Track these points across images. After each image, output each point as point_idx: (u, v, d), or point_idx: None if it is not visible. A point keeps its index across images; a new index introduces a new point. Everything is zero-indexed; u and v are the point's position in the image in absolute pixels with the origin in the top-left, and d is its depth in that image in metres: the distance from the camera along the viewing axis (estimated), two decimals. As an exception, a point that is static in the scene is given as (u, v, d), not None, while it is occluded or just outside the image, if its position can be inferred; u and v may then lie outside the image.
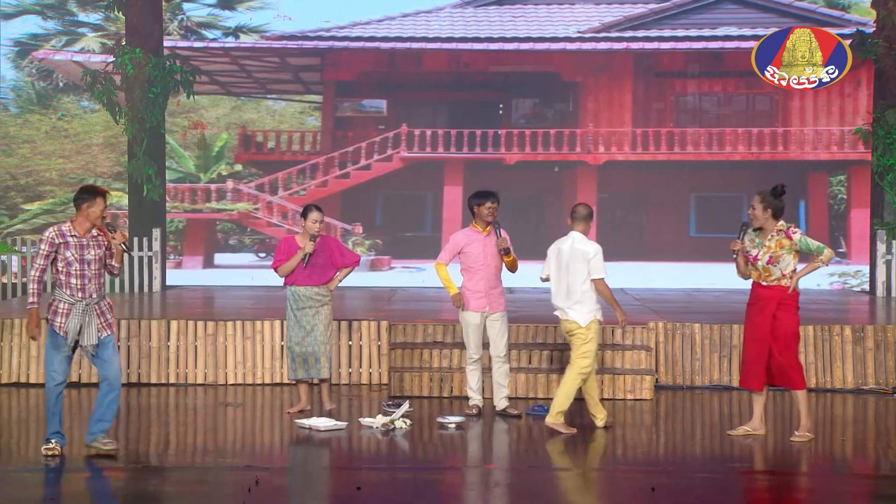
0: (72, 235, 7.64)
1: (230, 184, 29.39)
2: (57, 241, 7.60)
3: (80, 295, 7.61)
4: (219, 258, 29.79)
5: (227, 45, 29.71)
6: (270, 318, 10.99)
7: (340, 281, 9.39)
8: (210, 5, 31.67)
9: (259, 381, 10.77)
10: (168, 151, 22.03)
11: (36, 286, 7.61)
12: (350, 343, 10.79)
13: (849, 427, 9.21)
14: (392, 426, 8.73)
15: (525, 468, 7.73)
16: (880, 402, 10.05)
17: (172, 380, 10.78)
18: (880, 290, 14.80)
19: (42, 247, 7.62)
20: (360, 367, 10.78)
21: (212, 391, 10.50)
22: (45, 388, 7.82)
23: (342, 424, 8.77)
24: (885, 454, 8.26)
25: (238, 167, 31.13)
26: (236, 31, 31.13)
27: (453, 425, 8.83)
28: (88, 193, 7.77)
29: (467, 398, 9.47)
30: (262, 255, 30.25)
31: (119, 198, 28.68)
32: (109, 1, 16.95)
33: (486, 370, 9.69)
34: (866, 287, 16.53)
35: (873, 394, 10.34)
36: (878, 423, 9.41)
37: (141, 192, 15.91)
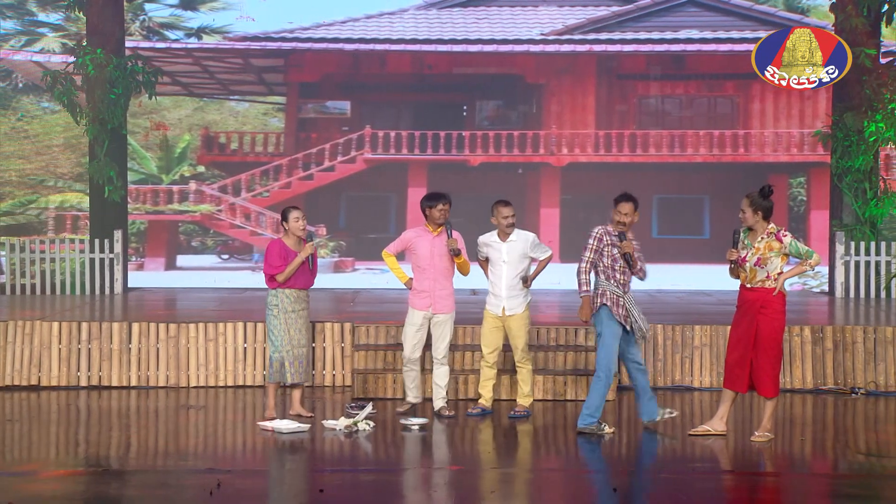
0: (612, 235, 8.60)
1: (193, 185, 29.23)
2: (605, 239, 8.57)
3: (623, 289, 8.57)
4: (181, 260, 29.63)
5: (189, 45, 29.56)
6: (233, 319, 10.94)
7: None
8: (172, 6, 31.49)
9: (221, 384, 10.73)
10: (130, 153, 21.90)
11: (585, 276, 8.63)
12: (313, 345, 10.76)
13: (808, 427, 9.31)
14: (355, 428, 8.72)
15: (488, 469, 7.75)
16: (839, 401, 10.16)
17: (134, 382, 10.71)
18: (839, 291, 14.96)
19: (591, 242, 8.59)
20: (324, 368, 10.76)
21: (174, 394, 10.44)
22: (601, 377, 8.51)
23: (305, 426, 8.76)
24: (844, 454, 8.35)
25: (201, 168, 30.98)
26: (199, 32, 30.97)
27: (417, 427, 8.84)
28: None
29: (430, 400, 9.49)
30: (225, 256, 30.11)
31: (80, 199, 28.46)
32: (70, 1, 16.80)
33: (427, 371, 9.69)
34: (825, 288, 16.71)
35: (832, 394, 10.45)
36: (837, 422, 9.52)
37: (102, 193, 15.79)
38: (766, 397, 8.36)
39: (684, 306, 13.70)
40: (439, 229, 9.17)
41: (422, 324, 9.21)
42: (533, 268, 9.34)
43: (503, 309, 9.25)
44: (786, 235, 8.24)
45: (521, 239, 9.24)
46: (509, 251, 9.23)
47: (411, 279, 9.25)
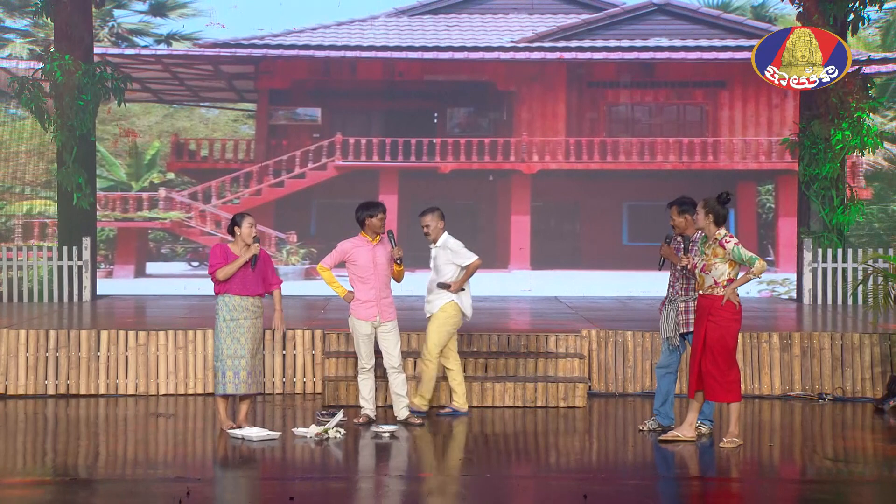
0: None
1: (162, 192, 29.07)
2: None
3: (670, 291, 8.89)
4: (151, 267, 29.44)
5: (158, 52, 29.40)
6: (203, 327, 10.89)
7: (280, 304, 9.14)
8: (141, 12, 31.34)
9: (191, 392, 10.68)
10: (98, 159, 21.73)
11: None
12: (284, 352, 10.73)
13: (776, 433, 9.38)
14: (326, 436, 8.71)
15: (459, 476, 7.76)
16: (807, 407, 10.24)
17: (102, 391, 10.64)
18: (807, 298, 15.08)
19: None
20: (294, 376, 10.73)
21: (143, 402, 10.38)
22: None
23: (275, 434, 8.73)
24: (812, 459, 8.42)
25: (170, 175, 30.82)
26: (168, 39, 30.84)
27: (387, 434, 8.83)
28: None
29: (389, 407, 9.49)
30: (195, 264, 29.96)
31: (48, 206, 28.26)
32: (38, 7, 16.67)
33: (381, 378, 9.69)
34: (793, 295, 16.83)
35: (800, 400, 10.53)
36: (805, 428, 9.59)
37: (71, 200, 15.69)
38: (713, 402, 8.48)
39: (654, 313, 13.70)
40: (377, 238, 9.17)
41: (370, 332, 9.23)
42: (461, 274, 9.45)
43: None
44: (728, 241, 8.26)
45: (443, 246, 9.47)
46: (435, 257, 9.56)
47: (351, 292, 9.21)
